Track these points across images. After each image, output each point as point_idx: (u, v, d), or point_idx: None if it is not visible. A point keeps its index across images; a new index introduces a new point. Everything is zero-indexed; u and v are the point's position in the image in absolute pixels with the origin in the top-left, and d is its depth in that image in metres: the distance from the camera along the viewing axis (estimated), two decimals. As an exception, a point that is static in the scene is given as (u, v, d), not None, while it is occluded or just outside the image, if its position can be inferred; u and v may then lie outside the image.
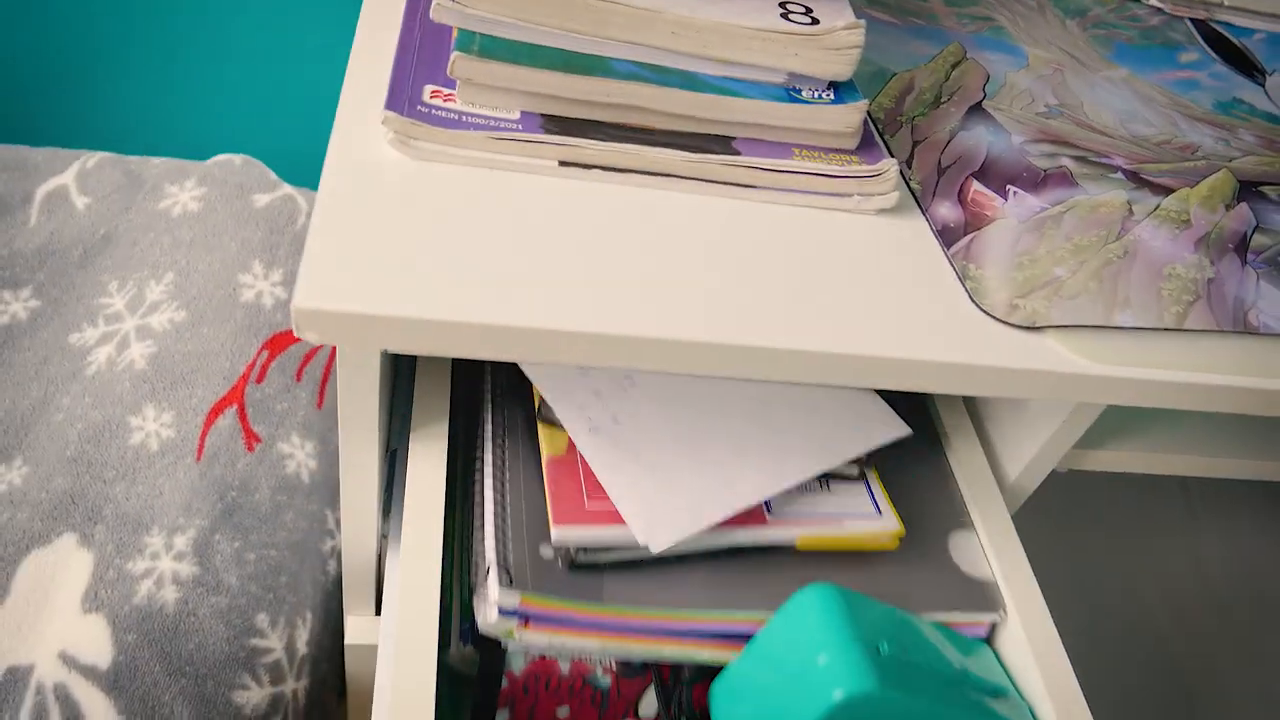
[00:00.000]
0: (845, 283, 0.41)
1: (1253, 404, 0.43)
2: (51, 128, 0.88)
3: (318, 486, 0.62)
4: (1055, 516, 0.86)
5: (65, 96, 0.88)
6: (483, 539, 0.42)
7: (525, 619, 0.41)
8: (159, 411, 0.60)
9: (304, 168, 0.85)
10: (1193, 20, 0.71)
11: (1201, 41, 0.69)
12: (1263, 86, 0.66)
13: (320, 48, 0.86)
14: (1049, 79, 0.59)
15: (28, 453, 0.58)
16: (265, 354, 0.64)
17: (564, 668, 0.45)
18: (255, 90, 0.89)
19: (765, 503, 0.45)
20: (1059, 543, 0.85)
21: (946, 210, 0.46)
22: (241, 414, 0.61)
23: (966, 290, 0.42)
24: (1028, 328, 0.41)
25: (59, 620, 0.52)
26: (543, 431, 0.45)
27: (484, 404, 0.48)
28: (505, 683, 0.44)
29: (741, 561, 0.44)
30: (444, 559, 0.43)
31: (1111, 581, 0.82)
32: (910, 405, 0.53)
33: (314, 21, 0.84)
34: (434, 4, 0.41)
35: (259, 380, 0.63)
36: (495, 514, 0.43)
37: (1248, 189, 0.54)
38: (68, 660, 0.50)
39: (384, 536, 0.52)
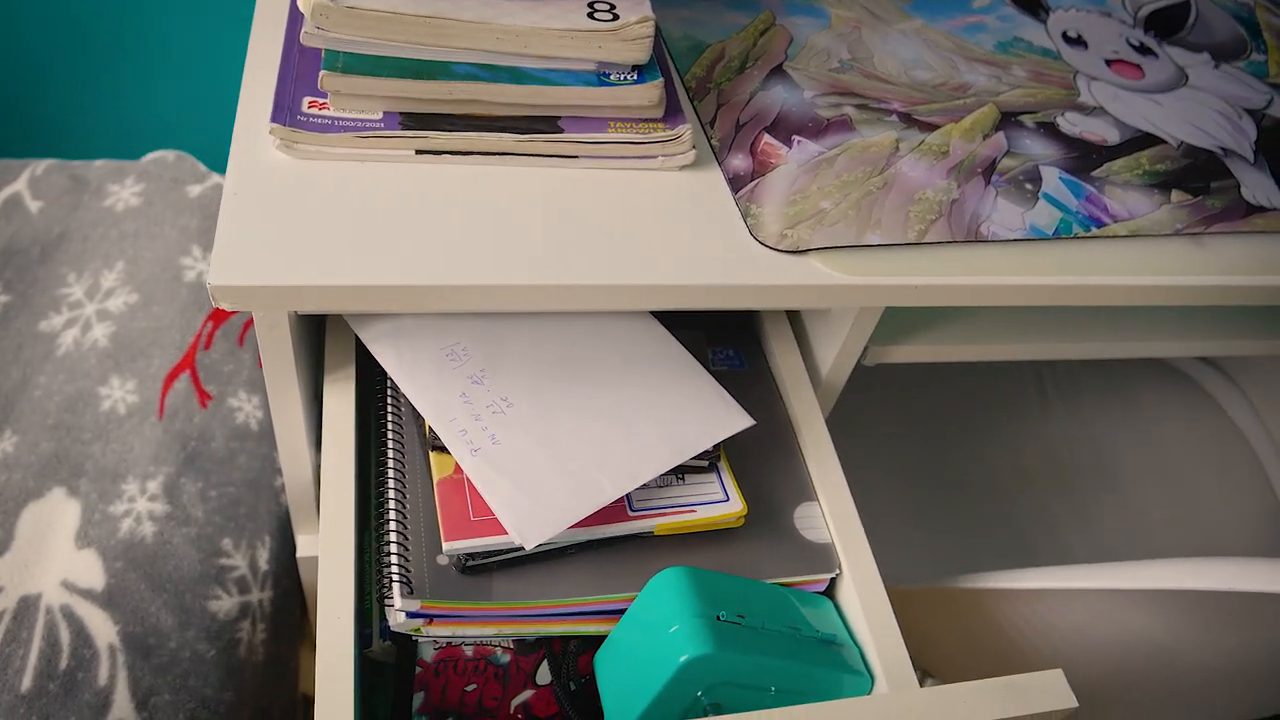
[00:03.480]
0: (649, 229, 0.52)
1: (974, 297, 0.55)
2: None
3: (265, 433, 0.73)
4: (920, 405, 0.98)
5: (4, 110, 0.97)
6: (389, 554, 0.50)
7: (429, 618, 0.49)
8: (123, 381, 0.71)
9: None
10: (990, -33, 0.81)
11: (995, -14, 0.80)
12: (1044, 24, 0.77)
13: (238, 46, 0.96)
14: (846, 36, 0.70)
15: (15, 425, 0.69)
16: (210, 325, 0.75)
17: (468, 651, 0.52)
18: (181, 89, 0.99)
19: (626, 498, 0.52)
20: (922, 427, 0.98)
21: (739, 162, 0.57)
22: (194, 377, 0.72)
23: (747, 226, 0.54)
24: (794, 252, 0.53)
25: (58, 556, 0.63)
26: (434, 457, 0.53)
27: (386, 434, 0.55)
28: (419, 669, 0.52)
29: (610, 550, 0.52)
30: (361, 567, 0.51)
31: (967, 453, 0.96)
32: (741, 321, 0.65)
33: (228, 26, 0.94)
34: (303, 32, 0.51)
35: (206, 347, 0.74)
36: (397, 531, 0.50)
37: (1008, 119, 0.66)
38: (69, 586, 0.62)
39: (319, 468, 0.64)
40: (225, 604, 0.65)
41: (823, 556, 0.54)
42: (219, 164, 0.86)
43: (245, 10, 0.91)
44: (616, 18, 0.54)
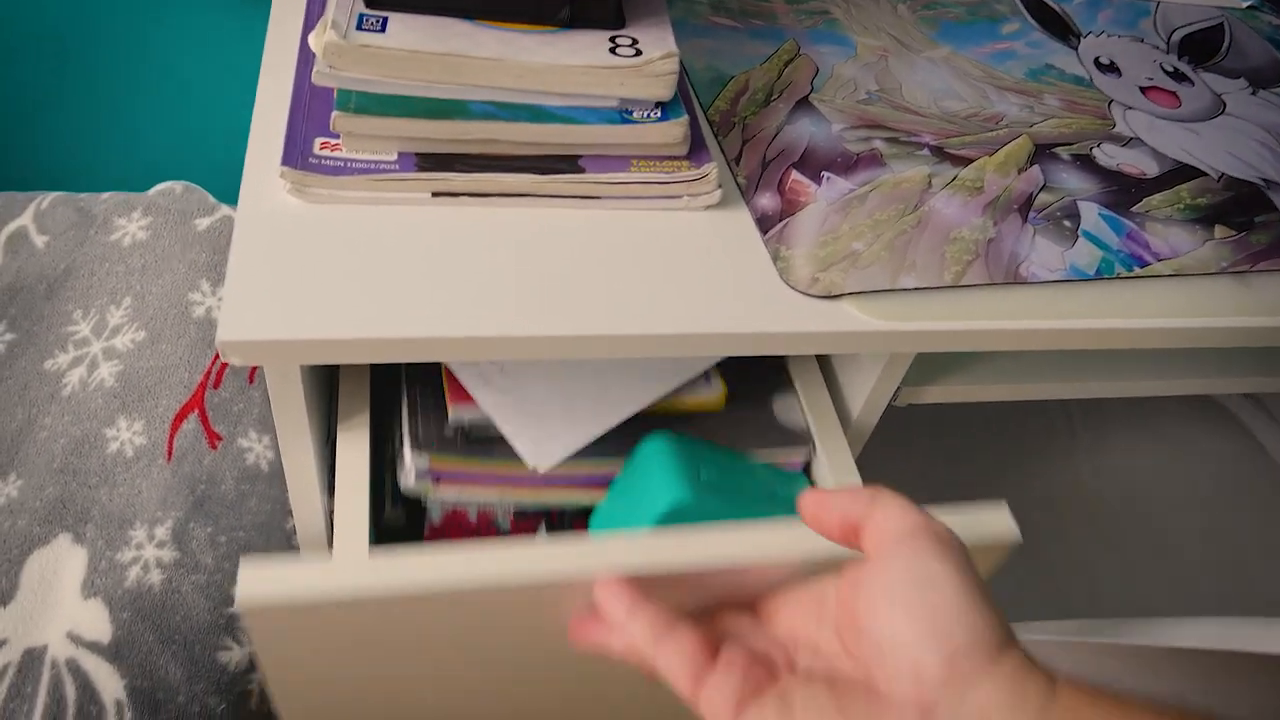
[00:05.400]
0: (675, 273, 0.50)
1: (1023, 342, 0.53)
2: (2, 173, 0.95)
3: (276, 474, 0.71)
4: (947, 439, 0.96)
5: (10, 143, 0.95)
6: (401, 432, 0.54)
7: (437, 478, 0.54)
8: (130, 422, 0.69)
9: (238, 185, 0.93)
10: (1018, -9, 0.79)
11: (1023, 10, 0.78)
12: (1075, 50, 0.75)
13: (245, 72, 0.94)
14: (873, 66, 0.67)
15: (20, 468, 0.67)
16: (219, 363, 0.73)
17: (472, 515, 0.58)
18: (189, 118, 0.97)
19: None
20: (948, 462, 0.95)
21: (766, 200, 0.55)
22: (203, 417, 0.70)
23: (777, 270, 0.51)
24: (826, 297, 0.51)
25: (64, 606, 0.61)
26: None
27: (400, 372, 0.58)
28: (427, 531, 0.58)
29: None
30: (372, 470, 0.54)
31: (995, 489, 0.93)
32: (771, 363, 0.63)
33: (232, 49, 0.92)
34: (314, 70, 0.49)
35: (215, 386, 0.72)
36: (409, 411, 0.55)
37: (1043, 152, 0.63)
38: (74, 639, 0.60)
39: (331, 513, 0.62)
40: (235, 655, 0.63)
41: (798, 435, 0.59)
42: (229, 195, 0.85)
43: (255, 39, 0.90)
44: (639, 53, 0.52)
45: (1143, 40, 0.77)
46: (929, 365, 0.63)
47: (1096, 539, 0.92)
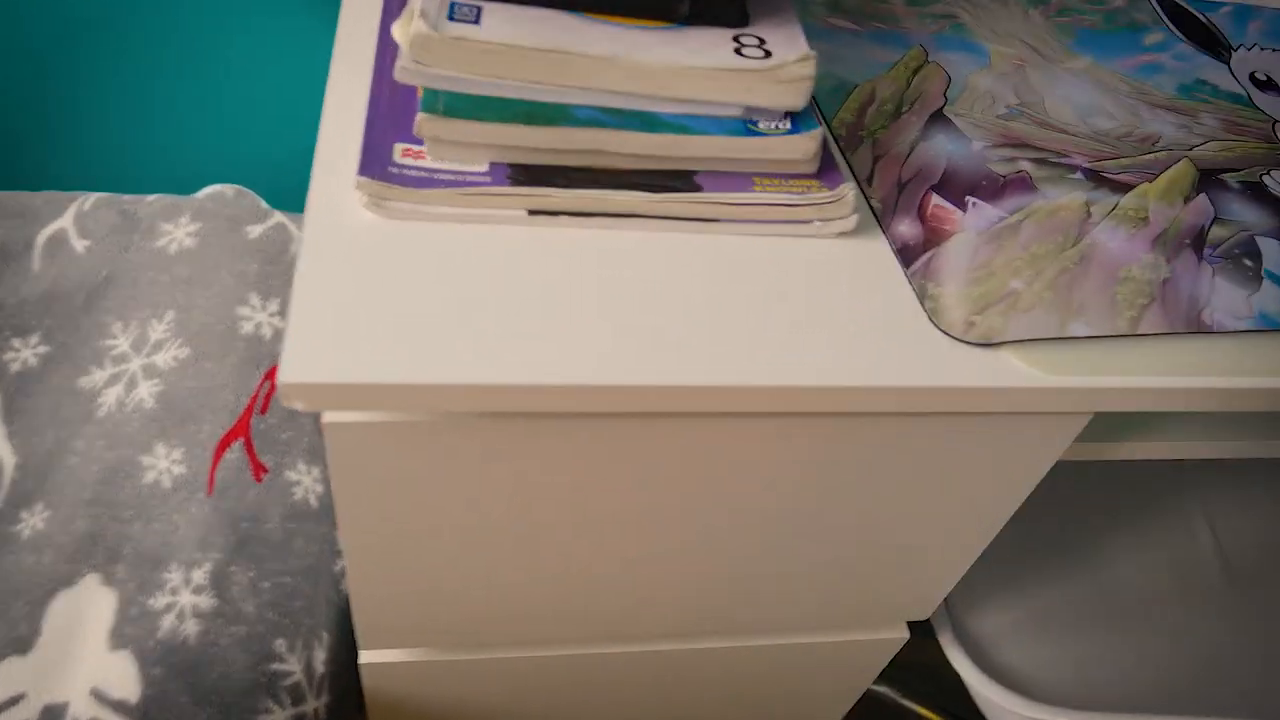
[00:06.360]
0: (807, 314, 0.43)
1: (1209, 402, 0.45)
2: (43, 169, 0.90)
3: (325, 510, 0.64)
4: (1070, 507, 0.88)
5: (53, 136, 0.90)
6: None
7: None
8: (169, 449, 0.62)
9: (296, 189, 0.87)
10: (1158, -2, 0.72)
11: (1166, 20, 0.70)
12: (1227, 64, 0.67)
13: (301, 65, 0.88)
14: (1010, 77, 0.60)
15: (48, 497, 0.61)
16: (267, 384, 0.67)
17: None
18: (243, 113, 0.91)
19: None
20: (1072, 532, 0.87)
21: (906, 228, 0.48)
22: (248, 446, 0.64)
23: (925, 311, 0.44)
24: (984, 344, 0.43)
25: (89, 658, 0.55)
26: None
27: None
28: None
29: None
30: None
31: (1121, 564, 0.85)
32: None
33: (293, 39, 0.86)
34: (398, 66, 0.43)
35: (263, 411, 0.66)
36: None
37: (1208, 178, 0.56)
38: (99, 696, 0.53)
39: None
40: (277, 718, 0.56)
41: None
42: (283, 199, 0.78)
43: (323, 24, 0.83)
44: (769, 54, 0.45)
45: (1299, 56, 0.69)
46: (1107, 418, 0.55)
47: (1208, 594, 0.83)
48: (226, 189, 0.76)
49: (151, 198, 0.75)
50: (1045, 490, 0.85)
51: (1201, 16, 0.71)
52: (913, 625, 0.70)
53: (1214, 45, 0.68)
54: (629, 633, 0.60)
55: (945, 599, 0.74)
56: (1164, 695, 0.76)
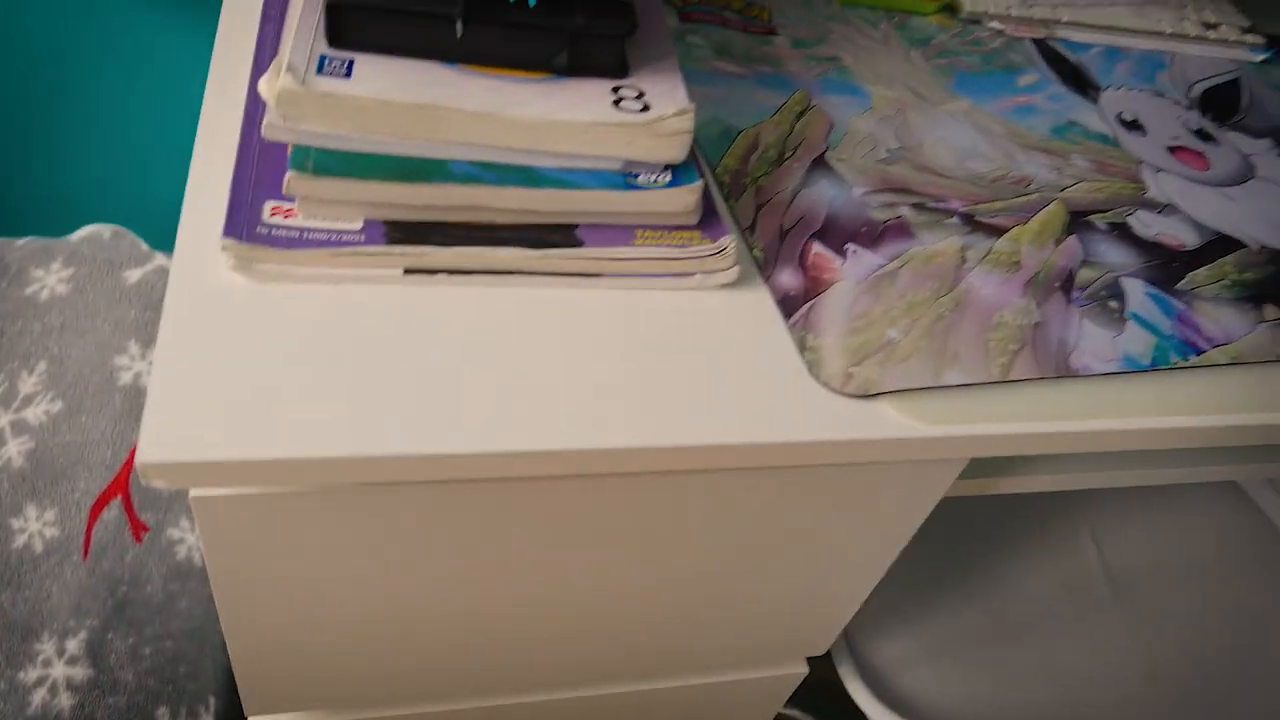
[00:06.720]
0: (687, 367, 0.43)
1: (1079, 444, 0.47)
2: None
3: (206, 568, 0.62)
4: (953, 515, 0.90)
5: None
6: None
7: None
8: (41, 510, 0.59)
9: (174, 229, 0.84)
10: (1033, 40, 0.74)
11: (1041, 61, 0.73)
12: (1096, 105, 0.70)
13: (189, 95, 0.85)
14: (891, 120, 0.61)
15: (-95, 567, 0.57)
16: (148, 438, 0.64)
17: None
18: (120, 148, 0.87)
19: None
20: (962, 544, 0.89)
21: (787, 277, 0.48)
22: (127, 503, 0.61)
23: (805, 362, 0.45)
24: (863, 396, 0.44)
25: (-49, 740, 0.52)
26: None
27: None
28: None
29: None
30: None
31: (1013, 586, 0.87)
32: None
33: (173, 64, 0.82)
34: (265, 123, 0.41)
35: (143, 466, 0.63)
36: None
37: (1078, 219, 0.58)
38: (-37, 781, 0.50)
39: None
40: (158, 792, 0.54)
41: None
42: (166, 241, 0.76)
43: (201, 57, 0.81)
44: (648, 108, 0.45)
45: (1163, 95, 0.73)
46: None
47: (1097, 610, 0.86)
48: (104, 229, 0.73)
49: (21, 241, 0.72)
50: (938, 519, 0.88)
51: (1072, 57, 0.74)
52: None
53: (1084, 86, 0.71)
54: (525, 682, 0.59)
55: (844, 630, 0.75)
56: (1061, 710, 0.78)
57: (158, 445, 0.35)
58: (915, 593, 0.81)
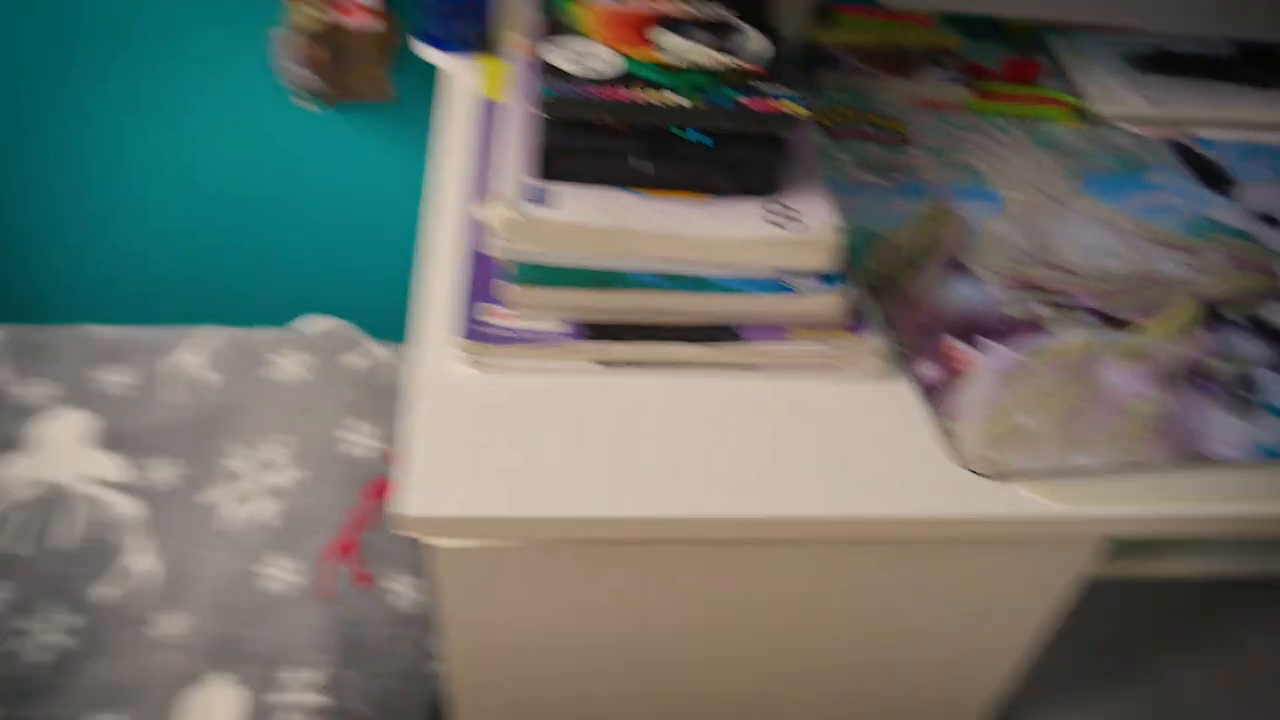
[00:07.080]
0: (839, 449, 0.50)
1: (1210, 530, 0.50)
2: (154, 306, 1.02)
3: (418, 615, 0.71)
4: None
5: (178, 276, 1.02)
6: None
7: None
8: (287, 560, 0.71)
9: (385, 322, 0.97)
10: (1165, 140, 0.78)
11: (1173, 158, 0.76)
12: (1230, 200, 0.73)
13: (397, 198, 0.98)
14: (1023, 222, 0.67)
15: (181, 603, 0.69)
16: (370, 503, 0.75)
17: None
18: (336, 245, 1.01)
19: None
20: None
21: (927, 369, 0.54)
22: (355, 558, 0.72)
23: (946, 447, 0.50)
24: (1000, 478, 0.49)
25: (215, 751, 0.62)
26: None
27: None
28: None
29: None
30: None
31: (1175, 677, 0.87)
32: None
33: (390, 175, 0.96)
34: (496, 245, 0.51)
35: (368, 525, 0.74)
36: None
37: (1209, 312, 0.61)
38: (224, 786, 0.60)
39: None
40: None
41: None
42: (378, 330, 0.88)
43: (409, 165, 0.94)
44: (798, 222, 0.53)
45: (1302, 188, 0.75)
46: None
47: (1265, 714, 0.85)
48: (328, 321, 0.86)
49: (260, 331, 0.85)
50: (1104, 609, 0.88)
51: (1207, 155, 0.77)
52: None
53: (1218, 182, 0.75)
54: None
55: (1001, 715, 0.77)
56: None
57: (418, 503, 0.44)
58: (1075, 677, 0.82)
